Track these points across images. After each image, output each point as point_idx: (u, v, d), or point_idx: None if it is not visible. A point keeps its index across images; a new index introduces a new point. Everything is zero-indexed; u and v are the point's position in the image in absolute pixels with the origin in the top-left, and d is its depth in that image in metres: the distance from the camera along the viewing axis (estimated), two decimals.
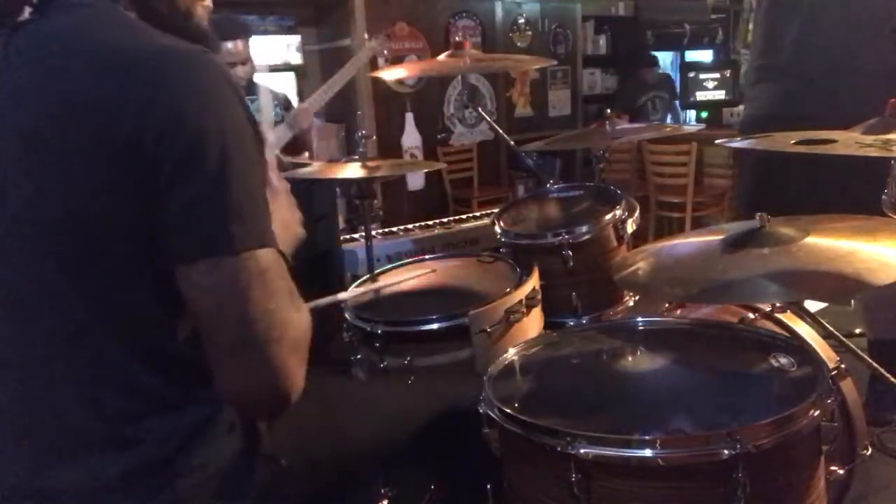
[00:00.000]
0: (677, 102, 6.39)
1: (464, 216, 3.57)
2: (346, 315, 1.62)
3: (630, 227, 1.88)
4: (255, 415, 0.94)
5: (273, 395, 0.86)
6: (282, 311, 0.84)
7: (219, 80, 0.83)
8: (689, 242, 1.46)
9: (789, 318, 1.53)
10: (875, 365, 1.50)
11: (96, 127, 0.79)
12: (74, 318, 0.85)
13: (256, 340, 0.82)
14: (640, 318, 1.42)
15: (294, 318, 0.86)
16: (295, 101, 5.36)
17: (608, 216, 1.84)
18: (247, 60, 2.87)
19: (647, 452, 0.95)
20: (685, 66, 6.45)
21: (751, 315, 1.55)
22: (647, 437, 0.96)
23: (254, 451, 0.98)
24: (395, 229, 3.24)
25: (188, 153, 0.79)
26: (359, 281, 1.85)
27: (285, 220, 1.10)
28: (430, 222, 3.36)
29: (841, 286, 1.20)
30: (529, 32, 6.15)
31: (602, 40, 7.07)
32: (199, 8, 0.98)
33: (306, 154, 2.95)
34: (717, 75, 5.91)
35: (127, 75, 0.79)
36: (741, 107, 5.84)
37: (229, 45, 2.74)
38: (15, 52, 0.84)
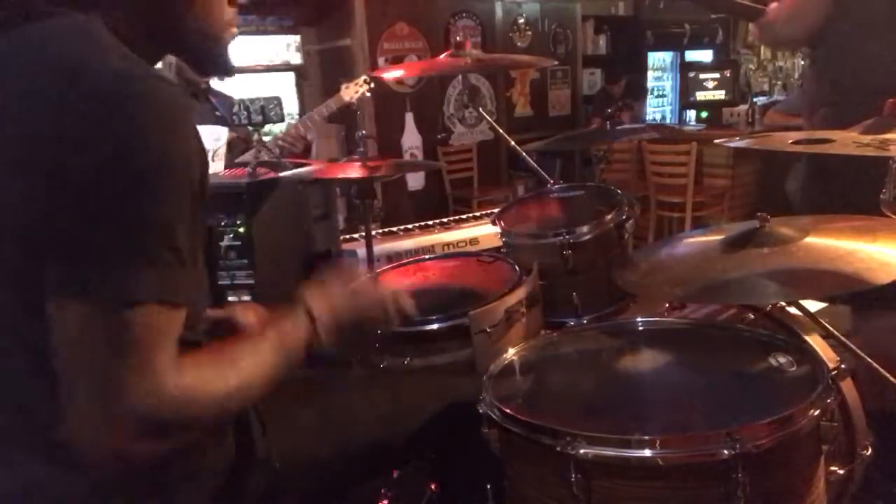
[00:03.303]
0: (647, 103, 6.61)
1: (464, 216, 3.56)
2: None
3: (630, 227, 1.88)
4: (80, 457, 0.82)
5: (94, 456, 0.77)
6: (124, 376, 0.74)
7: (162, 116, 0.78)
8: (689, 242, 1.46)
9: (789, 318, 1.53)
10: (875, 365, 1.50)
11: (24, 140, 0.77)
12: (36, 341, 0.80)
13: (80, 396, 0.75)
14: (640, 318, 1.41)
15: (153, 386, 0.76)
16: (294, 102, 5.37)
17: (608, 216, 1.84)
18: None
19: (647, 452, 0.95)
20: (685, 66, 6.46)
21: (751, 315, 1.55)
22: (647, 437, 0.96)
23: (248, 455, 0.97)
24: (395, 229, 3.24)
25: (89, 183, 0.74)
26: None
27: (339, 295, 1.05)
28: (430, 222, 3.35)
29: (841, 286, 1.20)
30: (529, 32, 6.16)
31: (602, 40, 7.07)
32: (226, 36, 0.93)
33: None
34: (716, 75, 5.91)
35: (64, 94, 0.77)
36: (741, 107, 5.87)
37: None
38: None
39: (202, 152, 0.84)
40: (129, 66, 0.81)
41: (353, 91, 3.13)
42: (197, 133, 0.83)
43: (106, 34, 0.84)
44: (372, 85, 3.19)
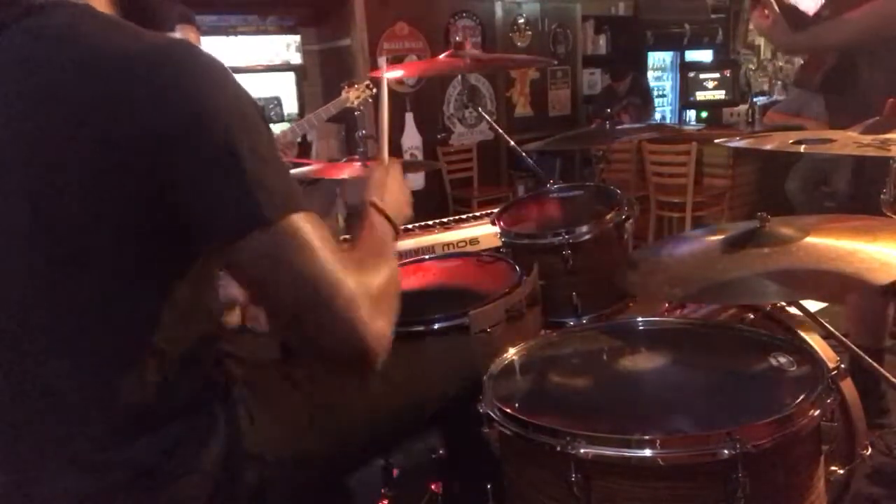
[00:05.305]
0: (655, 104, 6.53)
1: (464, 216, 3.56)
2: None
3: (630, 227, 1.88)
4: (346, 372, 0.97)
5: (347, 354, 0.86)
6: (326, 274, 0.83)
7: (210, 67, 0.83)
8: (689, 242, 1.46)
9: (789, 318, 1.53)
10: (876, 365, 1.50)
11: (91, 129, 0.77)
12: (70, 331, 0.83)
13: (306, 308, 0.83)
14: (640, 318, 1.41)
15: (352, 272, 0.85)
16: (294, 102, 5.37)
17: (608, 216, 1.84)
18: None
19: (647, 452, 0.95)
20: (685, 66, 6.46)
21: (751, 315, 1.55)
22: (647, 437, 0.96)
23: (242, 451, 0.97)
24: None
25: (190, 151, 0.79)
26: None
27: (397, 200, 1.16)
28: (430, 222, 3.35)
29: (841, 286, 1.20)
30: (529, 32, 6.16)
31: (602, 40, 7.07)
32: None
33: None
34: (716, 75, 5.91)
35: (120, 75, 0.78)
36: (741, 107, 5.87)
37: (178, 33, 2.73)
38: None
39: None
40: (162, 37, 0.83)
41: (356, 95, 3.13)
42: None
43: (113, 17, 0.87)
44: (374, 90, 3.19)
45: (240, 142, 0.80)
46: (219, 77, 0.83)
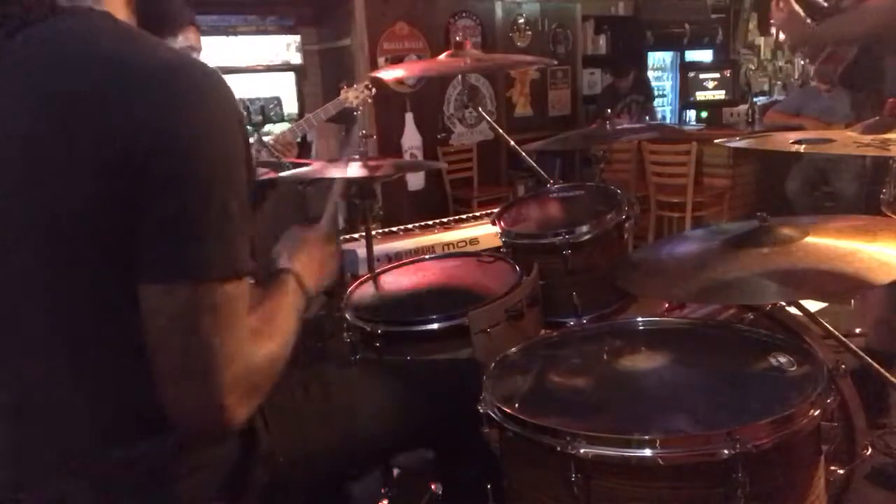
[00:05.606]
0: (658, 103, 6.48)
1: (464, 216, 3.56)
2: (347, 315, 1.62)
3: (630, 227, 1.88)
4: (185, 433, 0.90)
5: (203, 426, 0.85)
6: (228, 345, 0.81)
7: (221, 102, 0.82)
8: (689, 242, 1.46)
9: (789, 318, 1.53)
10: (876, 365, 1.50)
11: (94, 135, 0.77)
12: (71, 331, 0.83)
13: (193, 372, 0.81)
14: (640, 318, 1.41)
15: (246, 352, 0.83)
16: (294, 102, 5.37)
17: (608, 216, 1.84)
18: (198, 50, 2.84)
19: (647, 452, 0.95)
20: (685, 66, 6.46)
21: (751, 315, 1.55)
22: (647, 437, 0.96)
23: (253, 450, 0.98)
24: (395, 229, 3.23)
25: (174, 173, 0.78)
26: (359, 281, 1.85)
27: (319, 266, 1.14)
28: (430, 222, 3.35)
29: (841, 286, 1.20)
30: (529, 32, 6.15)
31: (602, 40, 7.06)
32: None
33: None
34: (716, 75, 5.91)
35: (130, 88, 0.78)
36: (741, 106, 5.87)
37: (180, 36, 2.71)
38: (12, 58, 0.82)
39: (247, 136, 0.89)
40: (177, 56, 0.83)
41: (355, 96, 3.12)
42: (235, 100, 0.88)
43: (131, 27, 0.87)
44: (374, 91, 3.19)
45: (212, 191, 0.79)
46: (225, 115, 0.82)
